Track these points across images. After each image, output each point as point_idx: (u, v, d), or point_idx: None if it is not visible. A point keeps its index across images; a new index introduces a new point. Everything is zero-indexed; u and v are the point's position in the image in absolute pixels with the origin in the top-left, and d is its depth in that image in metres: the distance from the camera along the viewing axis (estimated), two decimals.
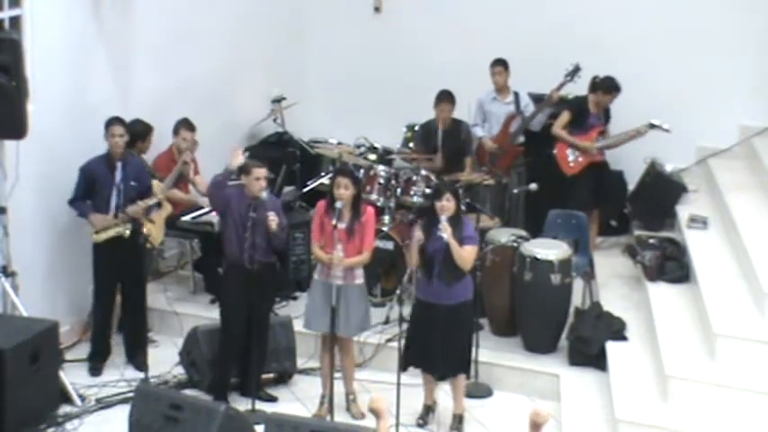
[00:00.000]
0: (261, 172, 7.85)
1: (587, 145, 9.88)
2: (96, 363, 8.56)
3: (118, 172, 8.34)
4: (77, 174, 8.34)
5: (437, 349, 7.65)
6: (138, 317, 8.57)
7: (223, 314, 8.08)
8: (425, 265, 7.63)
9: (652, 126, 9.74)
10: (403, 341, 7.78)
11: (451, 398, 7.94)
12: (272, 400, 8.27)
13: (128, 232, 8.30)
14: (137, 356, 8.56)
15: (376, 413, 6.13)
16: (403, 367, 7.79)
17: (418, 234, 7.62)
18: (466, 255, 7.52)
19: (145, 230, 8.37)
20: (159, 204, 8.63)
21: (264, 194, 7.88)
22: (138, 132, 8.97)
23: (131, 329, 8.68)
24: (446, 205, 7.47)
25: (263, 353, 8.17)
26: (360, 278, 7.89)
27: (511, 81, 10.31)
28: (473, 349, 7.94)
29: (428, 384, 7.95)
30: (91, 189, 8.35)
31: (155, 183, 8.67)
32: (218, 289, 8.71)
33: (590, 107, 9.93)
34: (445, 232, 7.39)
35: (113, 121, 8.35)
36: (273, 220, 7.79)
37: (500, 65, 10.24)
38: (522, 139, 10.39)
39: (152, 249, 8.82)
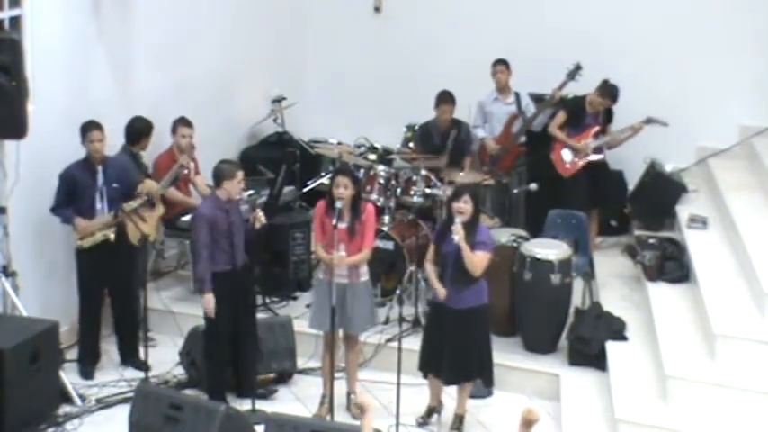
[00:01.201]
0: (241, 173, 7.86)
1: (580, 145, 9.88)
2: (86, 366, 8.52)
3: (99, 175, 8.28)
4: (57, 180, 8.24)
5: (445, 354, 7.62)
6: (129, 320, 8.55)
7: (209, 320, 7.96)
8: (439, 267, 7.61)
9: (649, 121, 9.75)
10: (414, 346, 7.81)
11: (453, 398, 7.93)
12: (273, 391, 8.28)
13: (112, 236, 8.26)
14: (131, 359, 8.59)
15: (362, 408, 6.20)
16: (423, 375, 7.84)
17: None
18: (476, 260, 7.45)
19: (143, 230, 8.35)
20: (153, 204, 8.57)
21: (244, 194, 7.91)
22: (141, 130, 8.97)
23: (123, 334, 8.67)
24: (463, 207, 7.42)
25: (255, 350, 8.14)
26: (365, 275, 7.88)
27: (511, 81, 10.31)
28: (491, 355, 7.82)
29: (433, 386, 7.93)
30: (73, 195, 8.26)
31: (149, 182, 8.62)
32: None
33: (586, 107, 9.94)
34: (457, 235, 7.36)
35: (91, 127, 8.23)
36: (262, 215, 7.81)
37: (502, 64, 10.25)
38: (523, 139, 10.41)
39: (152, 248, 8.81)
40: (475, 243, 7.44)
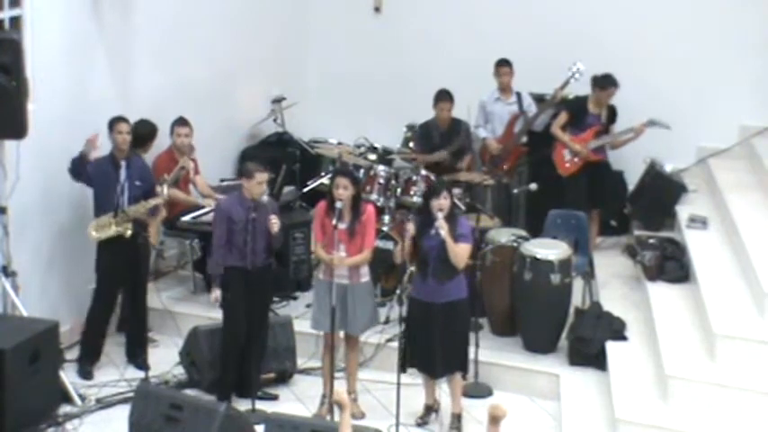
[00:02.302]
0: (264, 176, 7.86)
1: (578, 148, 9.87)
2: (86, 365, 8.53)
3: (122, 171, 8.34)
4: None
5: (434, 348, 7.65)
6: (141, 317, 8.56)
7: (226, 317, 8.03)
8: (419, 263, 7.64)
9: (651, 123, 9.75)
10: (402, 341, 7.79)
11: (450, 397, 7.94)
12: (273, 398, 8.28)
13: (129, 232, 8.28)
14: (138, 356, 8.56)
15: (340, 404, 6.25)
16: (403, 368, 7.82)
17: (410, 227, 7.65)
18: (460, 252, 7.52)
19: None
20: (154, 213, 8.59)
21: (265, 198, 7.90)
22: (146, 134, 8.99)
23: (135, 330, 8.66)
24: (443, 203, 7.49)
25: (263, 353, 8.18)
26: (366, 276, 7.90)
27: (512, 81, 10.31)
28: (470, 348, 7.93)
29: (428, 384, 7.95)
30: (96, 185, 8.32)
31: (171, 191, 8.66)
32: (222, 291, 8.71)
33: (590, 107, 9.93)
34: (443, 229, 7.41)
35: (118, 120, 8.37)
36: (276, 222, 7.81)
37: (506, 65, 10.26)
38: (524, 139, 10.41)
39: (152, 249, 8.81)
40: (457, 236, 7.52)
